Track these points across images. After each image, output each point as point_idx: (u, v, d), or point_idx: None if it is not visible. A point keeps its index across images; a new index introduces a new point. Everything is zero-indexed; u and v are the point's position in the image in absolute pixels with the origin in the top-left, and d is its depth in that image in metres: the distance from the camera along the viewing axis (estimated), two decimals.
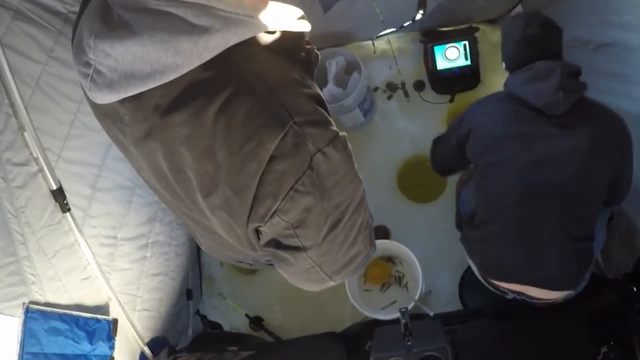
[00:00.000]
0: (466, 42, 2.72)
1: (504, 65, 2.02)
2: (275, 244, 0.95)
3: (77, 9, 1.14)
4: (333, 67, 2.63)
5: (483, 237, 1.96)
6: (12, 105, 1.58)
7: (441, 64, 2.78)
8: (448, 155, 2.16)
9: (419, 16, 2.54)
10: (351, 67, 2.69)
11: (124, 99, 0.84)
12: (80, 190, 1.85)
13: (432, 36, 2.85)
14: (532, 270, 1.85)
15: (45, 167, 1.68)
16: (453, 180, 2.70)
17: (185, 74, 0.79)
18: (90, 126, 1.82)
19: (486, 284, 2.08)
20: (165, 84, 0.79)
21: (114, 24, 0.80)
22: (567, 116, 1.75)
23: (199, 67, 0.79)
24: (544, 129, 1.77)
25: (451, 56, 2.75)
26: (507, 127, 1.84)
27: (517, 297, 1.96)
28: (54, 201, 1.73)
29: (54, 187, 1.72)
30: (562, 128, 1.76)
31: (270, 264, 1.38)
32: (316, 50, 0.97)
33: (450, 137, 2.08)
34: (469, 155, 1.97)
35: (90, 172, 1.89)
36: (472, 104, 2.04)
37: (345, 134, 0.88)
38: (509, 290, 1.96)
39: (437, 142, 2.32)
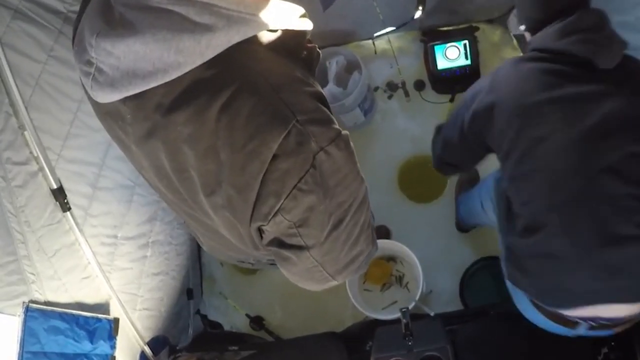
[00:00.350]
0: (466, 42, 2.72)
1: (522, 27, 1.66)
2: (278, 243, 0.95)
3: (76, 8, 1.14)
4: (333, 66, 2.63)
5: (536, 248, 1.49)
6: (12, 104, 1.58)
7: (441, 64, 2.77)
8: (455, 143, 1.75)
9: (418, 14, 2.53)
10: (351, 67, 2.69)
11: (126, 98, 0.84)
12: (81, 190, 1.85)
13: (432, 36, 2.85)
14: (611, 280, 1.41)
15: (45, 166, 1.68)
16: (453, 180, 2.71)
17: (188, 72, 0.78)
18: (90, 125, 1.82)
19: (542, 318, 1.65)
20: (168, 82, 0.79)
21: (115, 23, 0.80)
22: (617, 71, 1.43)
23: (201, 65, 0.78)
24: (596, 88, 1.42)
25: (451, 56, 2.74)
26: (548, 91, 1.43)
27: (590, 329, 1.56)
28: (54, 200, 1.73)
29: (55, 186, 1.72)
30: (618, 86, 1.41)
31: (272, 264, 1.38)
32: (318, 49, 0.97)
33: (459, 116, 1.66)
34: (493, 138, 1.55)
35: (90, 171, 1.89)
36: (489, 74, 1.63)
37: (347, 132, 0.88)
38: (578, 318, 1.53)
39: (440, 129, 1.96)
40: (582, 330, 1.58)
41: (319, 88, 0.89)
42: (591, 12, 1.49)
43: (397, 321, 2.01)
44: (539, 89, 1.45)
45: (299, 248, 0.95)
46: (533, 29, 1.58)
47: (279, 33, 0.87)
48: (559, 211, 1.43)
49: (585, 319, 1.52)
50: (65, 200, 1.76)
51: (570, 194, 1.41)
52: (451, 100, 2.86)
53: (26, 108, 1.60)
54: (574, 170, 1.40)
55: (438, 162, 2.01)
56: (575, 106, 1.41)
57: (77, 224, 1.81)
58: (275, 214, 0.86)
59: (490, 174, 2.06)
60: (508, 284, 1.74)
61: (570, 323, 1.58)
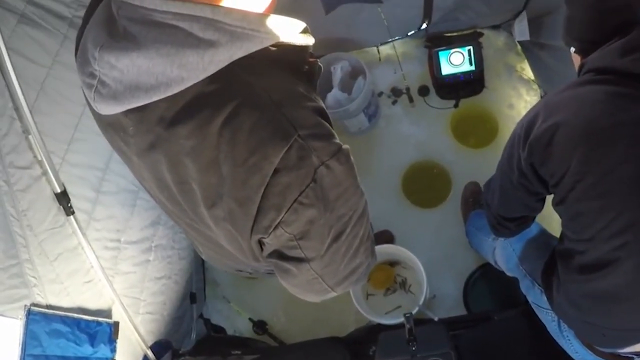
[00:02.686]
0: (471, 48, 2.72)
1: (572, 49, 1.49)
2: (279, 255, 0.95)
3: (82, 13, 1.15)
4: (338, 72, 2.63)
5: (595, 287, 1.37)
6: (16, 108, 1.58)
7: (446, 69, 2.77)
8: (513, 187, 1.53)
9: (424, 26, 2.55)
10: (356, 72, 2.69)
11: (128, 110, 0.84)
12: (85, 194, 1.85)
13: (436, 41, 2.85)
14: None
15: (49, 170, 1.68)
16: (458, 186, 2.71)
17: (190, 86, 0.79)
18: (94, 130, 1.77)
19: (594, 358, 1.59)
20: (170, 96, 0.79)
21: (119, 36, 0.80)
22: None
23: (203, 80, 0.79)
24: None
25: (456, 61, 2.74)
26: (616, 113, 1.25)
27: None
28: (57, 204, 1.73)
29: (58, 190, 1.72)
30: None
31: (270, 274, 1.39)
32: (319, 63, 0.97)
33: (513, 155, 1.45)
34: (550, 168, 1.35)
35: (94, 176, 1.90)
36: (537, 104, 1.43)
37: (348, 147, 0.88)
38: (633, 354, 1.49)
39: (490, 183, 1.76)
40: None
41: (321, 103, 0.89)
42: None
43: (400, 326, 2.01)
44: (606, 112, 1.26)
45: (299, 260, 0.95)
46: (585, 51, 1.42)
47: (281, 48, 0.87)
48: (631, 248, 1.26)
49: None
50: (69, 204, 1.76)
51: None
52: (455, 105, 2.86)
53: (31, 112, 1.61)
54: None
55: (495, 221, 1.78)
56: None
57: (80, 227, 1.81)
58: (276, 227, 0.87)
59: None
60: (555, 332, 1.71)
61: (623, 359, 1.53)
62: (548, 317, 1.76)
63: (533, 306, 1.85)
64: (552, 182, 1.37)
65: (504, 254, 1.99)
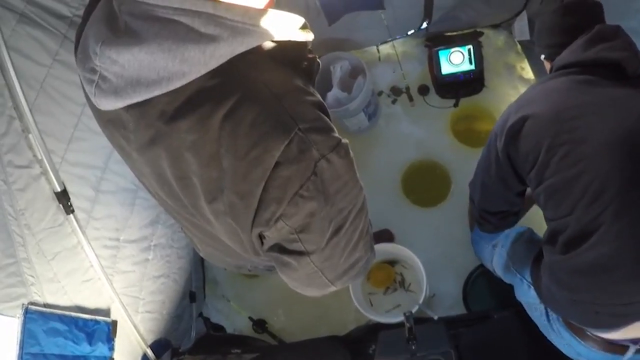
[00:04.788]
0: (470, 47, 2.72)
1: (542, 56, 1.70)
2: (279, 248, 0.96)
3: (82, 12, 1.15)
4: (338, 71, 2.63)
5: (583, 260, 1.39)
6: (16, 107, 1.58)
7: (446, 69, 2.77)
8: (493, 180, 1.67)
9: (424, 25, 2.55)
10: (356, 71, 2.69)
11: (129, 106, 0.85)
12: (84, 193, 1.86)
13: (436, 41, 2.85)
14: None
15: (49, 169, 1.69)
16: (457, 185, 2.70)
17: (192, 81, 0.80)
18: (93, 129, 1.82)
19: (590, 351, 1.59)
20: (171, 91, 0.80)
21: (120, 31, 0.81)
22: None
23: (204, 74, 0.79)
24: (629, 91, 1.40)
25: (456, 61, 2.74)
26: (581, 97, 1.41)
27: (637, 352, 1.52)
28: (55, 203, 1.74)
29: (58, 189, 1.73)
30: None
31: (269, 270, 1.39)
32: (318, 59, 0.98)
33: (492, 150, 1.60)
34: (526, 154, 1.46)
35: (93, 175, 1.90)
36: (516, 100, 1.59)
37: (347, 141, 0.89)
38: (629, 341, 1.50)
39: (472, 183, 1.89)
40: (629, 355, 1.53)
41: (319, 97, 0.90)
42: (609, 25, 1.51)
43: (400, 325, 2.01)
44: (571, 96, 1.42)
45: (300, 254, 0.96)
46: (554, 55, 1.59)
47: (280, 43, 0.87)
48: (610, 212, 1.32)
49: (636, 341, 1.49)
50: (69, 203, 1.76)
51: (620, 194, 1.31)
52: (455, 105, 2.86)
53: (31, 111, 1.61)
54: (622, 169, 1.32)
55: (479, 216, 1.91)
56: (612, 106, 1.37)
57: (80, 226, 1.81)
58: (277, 220, 0.87)
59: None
60: (545, 326, 1.73)
61: (619, 348, 1.54)
62: (536, 313, 1.78)
63: (524, 305, 1.87)
64: (527, 167, 1.48)
65: (499, 260, 2.03)
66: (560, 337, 1.68)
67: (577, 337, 1.61)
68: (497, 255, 2.07)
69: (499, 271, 2.08)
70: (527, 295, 1.80)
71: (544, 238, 1.57)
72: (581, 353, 1.65)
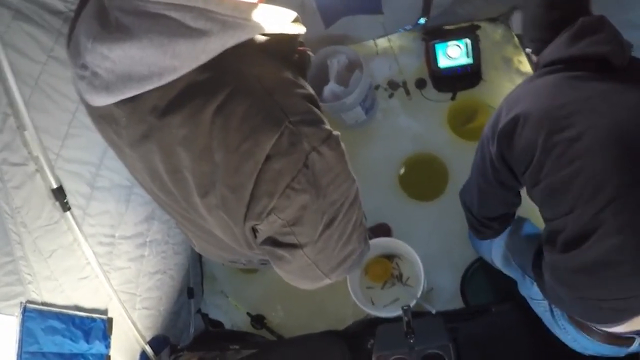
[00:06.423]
0: (468, 40, 2.71)
1: (529, 50, 1.66)
2: (272, 242, 0.96)
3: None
4: (334, 65, 2.62)
5: (585, 258, 1.37)
6: (11, 104, 1.57)
7: (443, 62, 2.76)
8: (489, 184, 1.65)
9: (422, 21, 2.55)
10: (353, 65, 2.68)
11: (120, 101, 0.85)
12: (79, 189, 1.85)
13: (433, 34, 2.84)
14: None
15: (45, 166, 1.68)
16: (455, 178, 2.70)
17: (183, 75, 0.80)
18: (88, 125, 1.78)
19: (594, 344, 1.58)
20: (163, 85, 0.80)
21: (111, 27, 0.81)
22: (629, 68, 1.41)
23: (195, 69, 0.80)
24: (618, 84, 1.37)
25: (453, 54, 2.73)
26: (570, 93, 1.38)
27: None
28: (51, 201, 1.73)
29: (55, 186, 1.72)
30: (636, 81, 1.39)
31: (263, 264, 1.39)
32: (309, 52, 0.98)
33: (485, 153, 1.59)
34: (519, 154, 1.44)
35: (88, 171, 1.89)
36: (504, 99, 1.57)
37: (338, 133, 0.89)
38: (634, 333, 1.50)
39: (465, 191, 1.89)
40: (635, 347, 1.53)
41: (310, 90, 0.90)
42: (593, 16, 1.47)
43: (398, 319, 2.01)
44: (561, 94, 1.39)
45: (293, 246, 0.96)
46: (539, 50, 1.56)
47: (271, 37, 0.88)
48: (610, 208, 1.29)
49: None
50: (65, 200, 1.76)
51: (619, 189, 1.29)
52: (452, 98, 2.85)
53: (26, 108, 1.60)
54: (618, 163, 1.29)
55: (478, 224, 1.88)
56: (603, 101, 1.34)
57: (77, 223, 1.81)
58: (269, 213, 0.88)
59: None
60: (550, 322, 1.72)
61: (625, 340, 1.53)
62: (541, 308, 1.77)
63: (528, 300, 1.86)
64: (522, 168, 1.46)
65: (498, 252, 2.02)
66: (565, 332, 1.67)
67: (582, 332, 1.60)
68: (495, 247, 2.06)
69: (498, 263, 2.08)
70: (531, 291, 1.79)
71: (543, 238, 1.55)
72: (587, 347, 1.64)
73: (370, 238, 2.06)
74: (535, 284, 1.71)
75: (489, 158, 1.57)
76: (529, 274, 1.77)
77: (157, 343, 2.24)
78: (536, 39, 1.60)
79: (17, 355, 1.55)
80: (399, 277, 2.59)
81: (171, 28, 0.77)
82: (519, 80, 2.79)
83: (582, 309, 1.52)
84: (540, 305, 1.76)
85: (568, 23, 1.46)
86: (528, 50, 1.66)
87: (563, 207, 1.39)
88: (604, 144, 1.30)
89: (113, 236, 2.03)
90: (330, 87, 2.56)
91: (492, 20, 2.89)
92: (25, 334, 1.58)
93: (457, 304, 2.53)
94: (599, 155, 1.31)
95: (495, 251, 2.06)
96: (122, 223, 2.06)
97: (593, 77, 1.39)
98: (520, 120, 1.41)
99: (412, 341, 1.91)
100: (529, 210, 1.83)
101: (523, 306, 1.91)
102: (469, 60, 2.74)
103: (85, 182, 1.87)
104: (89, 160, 1.89)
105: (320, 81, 2.61)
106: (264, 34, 0.86)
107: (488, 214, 1.83)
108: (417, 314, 2.16)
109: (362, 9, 2.52)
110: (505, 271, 2.03)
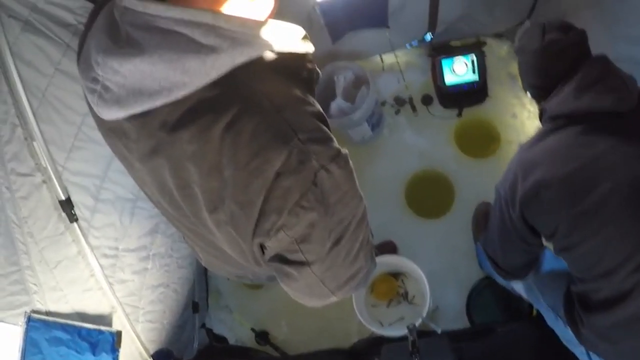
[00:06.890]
0: (474, 56, 2.71)
1: (529, 94, 1.68)
2: (280, 259, 0.96)
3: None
4: (341, 81, 2.63)
5: (624, 314, 1.38)
6: (19, 115, 1.58)
7: (449, 78, 2.77)
8: (514, 245, 1.69)
9: (428, 37, 2.56)
10: (359, 81, 2.69)
11: (131, 116, 0.85)
12: (84, 201, 1.85)
13: (439, 50, 2.85)
14: None
15: (54, 178, 1.68)
16: (461, 196, 2.69)
17: (193, 91, 0.80)
18: (93, 138, 1.82)
19: None
20: (173, 101, 0.81)
21: (122, 42, 0.82)
22: (637, 113, 1.41)
23: (206, 85, 0.80)
24: (631, 130, 1.38)
25: (459, 70, 2.74)
26: (584, 151, 1.39)
27: None
28: (57, 212, 1.73)
29: (63, 198, 1.72)
30: None
31: (270, 280, 1.39)
32: (318, 69, 0.98)
33: (505, 220, 1.60)
34: (546, 220, 1.47)
35: (92, 184, 1.89)
36: (514, 158, 1.57)
37: (347, 151, 0.89)
38: None
39: (488, 247, 1.91)
40: None
41: (319, 108, 0.91)
42: (594, 61, 1.47)
43: (403, 338, 1.99)
44: (576, 155, 1.40)
45: (301, 264, 0.96)
46: (538, 97, 1.59)
47: (280, 54, 0.88)
48: None
49: None
50: (73, 212, 1.76)
51: None
52: (458, 114, 2.85)
53: (35, 119, 1.61)
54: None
55: (504, 273, 1.91)
56: (617, 155, 1.36)
57: (84, 235, 1.80)
58: (277, 231, 0.88)
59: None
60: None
61: None
62: (577, 350, 1.74)
63: (561, 339, 1.82)
64: (547, 232, 1.49)
65: (525, 287, 2.00)
66: None
67: None
68: (522, 284, 2.03)
69: (521, 292, 2.05)
70: (565, 333, 1.75)
71: (575, 291, 1.59)
72: None
73: (376, 255, 2.05)
74: (568, 326, 1.69)
75: (509, 219, 1.59)
76: (561, 315, 1.74)
77: (160, 356, 2.22)
78: (534, 86, 1.61)
79: None
80: (405, 295, 2.57)
81: (181, 44, 0.78)
82: (524, 97, 2.79)
83: (623, 358, 1.52)
84: (576, 346, 1.73)
85: (567, 73, 1.47)
86: (528, 94, 1.68)
87: (596, 270, 1.42)
88: (628, 206, 1.33)
89: (117, 249, 2.02)
90: (337, 103, 2.57)
91: (498, 36, 2.91)
92: (29, 344, 1.58)
93: (462, 323, 2.51)
94: (625, 219, 1.33)
95: (521, 286, 2.04)
96: (125, 236, 2.06)
97: (603, 128, 1.39)
98: (542, 191, 1.42)
99: None
100: None
101: (528, 326, 1.90)
102: (475, 77, 2.74)
103: (89, 194, 1.87)
104: (93, 173, 1.89)
105: (327, 97, 2.62)
106: (273, 51, 0.87)
107: (515, 264, 1.86)
108: (423, 333, 2.15)
109: (368, 23, 2.54)
110: (536, 306, 2.00)
